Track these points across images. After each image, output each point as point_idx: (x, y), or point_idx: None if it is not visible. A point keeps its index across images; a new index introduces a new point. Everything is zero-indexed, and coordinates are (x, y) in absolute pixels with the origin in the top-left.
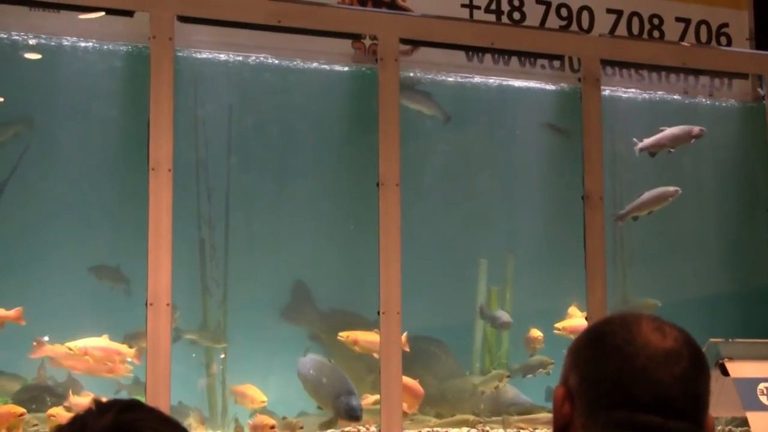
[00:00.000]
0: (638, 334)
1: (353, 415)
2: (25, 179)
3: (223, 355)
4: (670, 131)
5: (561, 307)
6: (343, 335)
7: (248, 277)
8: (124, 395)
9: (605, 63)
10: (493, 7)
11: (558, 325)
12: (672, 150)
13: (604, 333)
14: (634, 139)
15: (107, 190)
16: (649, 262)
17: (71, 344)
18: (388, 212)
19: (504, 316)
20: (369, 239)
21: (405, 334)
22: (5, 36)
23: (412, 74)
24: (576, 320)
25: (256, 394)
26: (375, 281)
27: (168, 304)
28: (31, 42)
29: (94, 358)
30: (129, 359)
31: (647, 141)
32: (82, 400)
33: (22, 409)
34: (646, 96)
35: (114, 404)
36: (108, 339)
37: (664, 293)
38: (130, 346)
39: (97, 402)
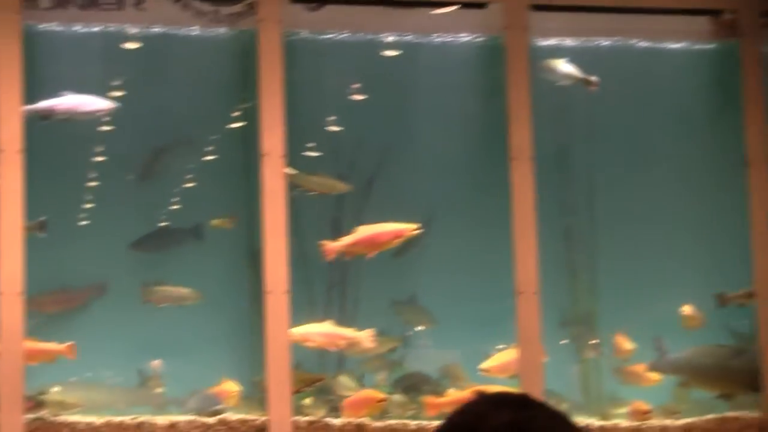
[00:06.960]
0: None
1: None
2: (389, 175)
3: (597, 341)
4: None
5: None
6: None
7: (616, 263)
8: None
9: None
10: None
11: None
12: None
13: None
14: None
15: (468, 181)
16: None
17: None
18: (756, 192)
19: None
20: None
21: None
22: (366, 36)
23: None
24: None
25: (653, 375)
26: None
27: (535, 293)
28: (389, 39)
29: (316, 343)
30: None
31: None
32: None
33: (382, 395)
34: None
35: (507, 400)
36: (332, 324)
37: None
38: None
39: (485, 395)
